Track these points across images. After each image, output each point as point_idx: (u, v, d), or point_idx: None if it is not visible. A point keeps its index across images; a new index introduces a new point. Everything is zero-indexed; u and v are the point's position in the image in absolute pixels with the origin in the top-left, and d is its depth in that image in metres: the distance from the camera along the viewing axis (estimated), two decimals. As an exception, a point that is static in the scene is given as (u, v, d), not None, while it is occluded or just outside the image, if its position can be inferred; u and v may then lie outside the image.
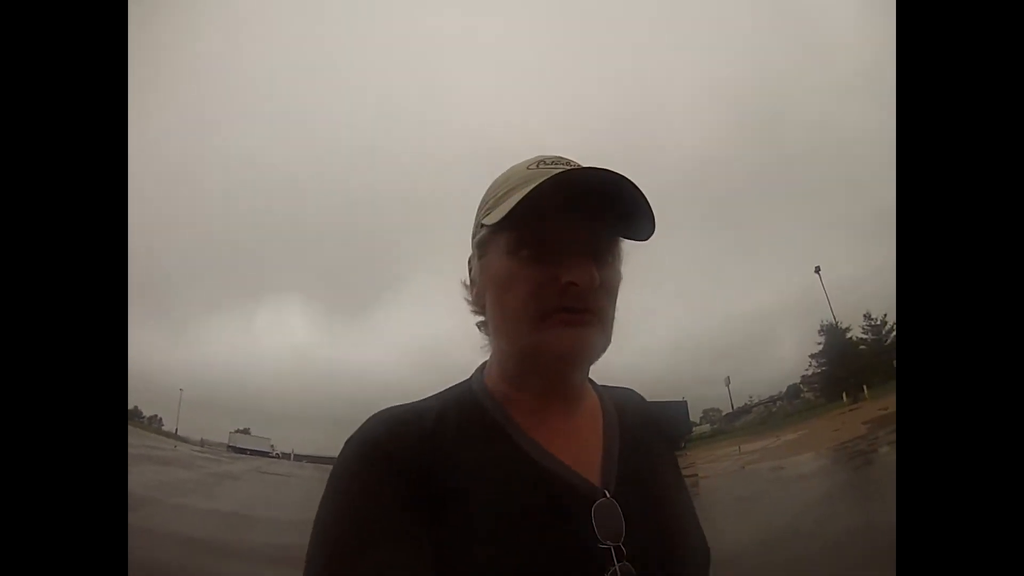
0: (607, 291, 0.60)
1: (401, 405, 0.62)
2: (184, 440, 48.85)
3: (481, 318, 0.67)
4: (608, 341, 0.61)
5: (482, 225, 0.62)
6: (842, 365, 31.73)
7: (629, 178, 0.55)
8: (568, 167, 0.59)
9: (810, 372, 36.63)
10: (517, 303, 0.58)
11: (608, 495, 0.57)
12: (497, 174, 0.67)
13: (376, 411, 0.60)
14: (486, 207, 0.64)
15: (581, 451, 0.61)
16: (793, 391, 40.57)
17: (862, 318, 34.98)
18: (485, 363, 0.68)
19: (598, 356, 0.61)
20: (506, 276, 0.59)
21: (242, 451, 49.65)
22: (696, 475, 14.58)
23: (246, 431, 57.73)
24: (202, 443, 52.70)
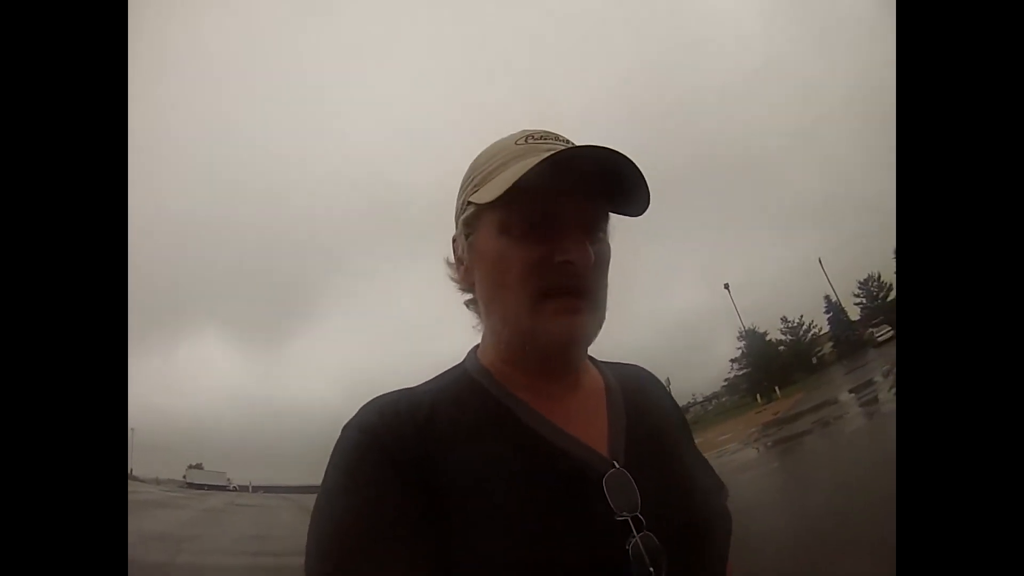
0: (600, 267, 0.59)
1: (397, 391, 0.60)
2: (141, 480, 47.78)
3: (470, 296, 0.66)
4: (602, 320, 0.61)
5: (468, 203, 0.61)
6: (760, 367, 34.58)
7: (626, 155, 0.54)
8: (557, 142, 0.60)
9: (732, 375, 39.40)
10: (511, 284, 0.57)
11: (618, 466, 0.55)
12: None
13: (368, 400, 0.59)
14: (472, 184, 0.62)
15: (587, 425, 0.59)
16: (718, 394, 43.76)
17: (780, 321, 38.06)
18: (477, 345, 0.67)
19: (594, 338, 0.61)
20: (499, 255, 0.58)
21: (200, 486, 48.78)
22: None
23: (199, 467, 56.68)
24: (158, 481, 51.48)
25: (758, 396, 31.70)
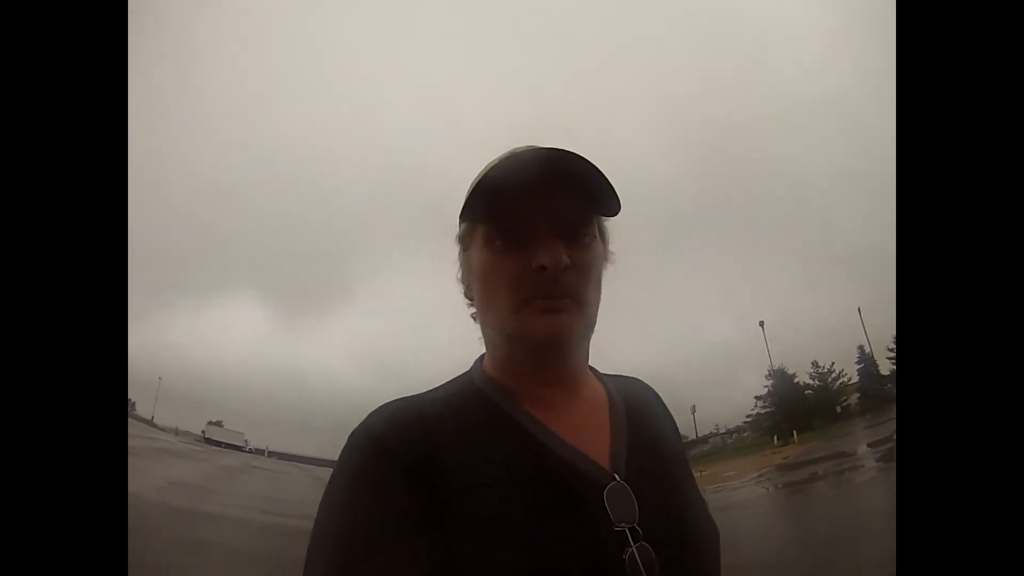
0: (582, 272, 0.60)
1: (404, 398, 0.62)
2: (161, 428, 48.97)
3: (474, 310, 0.68)
4: (591, 323, 0.62)
5: (462, 220, 0.64)
6: (783, 409, 34.16)
7: (578, 153, 0.57)
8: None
9: (754, 412, 38.63)
10: (497, 294, 0.60)
11: (619, 479, 0.57)
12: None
13: (378, 405, 0.60)
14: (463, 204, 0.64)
15: (589, 436, 0.60)
16: (738, 428, 42.71)
17: (810, 365, 37.23)
18: (483, 355, 0.69)
19: (581, 339, 0.63)
20: (485, 268, 0.61)
21: (216, 443, 49.36)
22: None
23: (219, 424, 56.54)
24: (176, 432, 52.17)
25: (775, 438, 31.30)
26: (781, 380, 37.20)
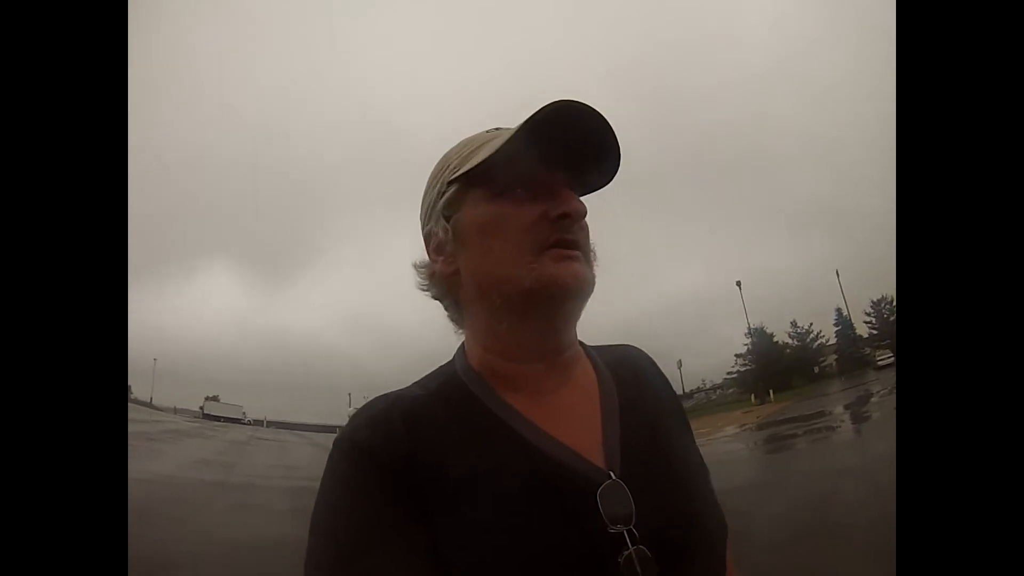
0: (586, 231, 0.61)
1: (383, 396, 0.60)
2: (160, 409, 49.79)
3: (446, 301, 0.66)
4: (594, 282, 0.61)
5: (448, 184, 0.62)
6: (763, 367, 35.28)
7: (602, 114, 0.57)
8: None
9: (735, 370, 39.86)
10: (510, 243, 0.58)
11: (614, 476, 0.54)
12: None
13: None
14: (449, 168, 0.63)
15: (579, 428, 0.58)
16: (722, 385, 43.58)
17: (789, 325, 38.51)
18: (463, 345, 0.66)
19: (590, 293, 0.60)
20: (492, 221, 0.59)
21: (216, 418, 49.17)
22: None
23: (215, 399, 56.80)
24: (175, 410, 52.79)
25: (752, 396, 32.38)
26: (761, 339, 38.39)
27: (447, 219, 0.63)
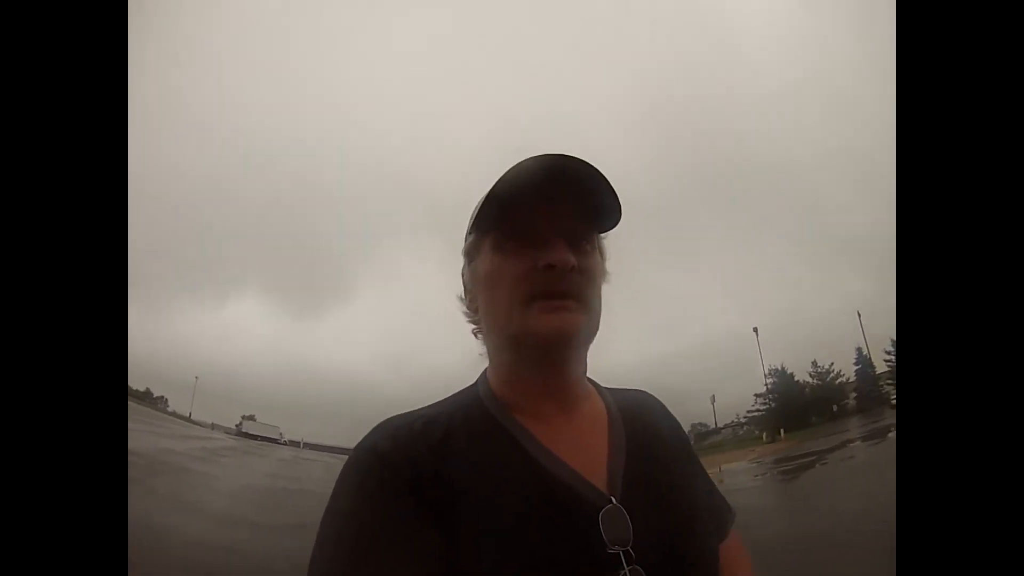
0: (586, 276, 0.62)
1: (407, 413, 0.63)
2: (198, 424, 50.18)
3: (477, 325, 0.71)
4: (594, 327, 0.64)
5: (470, 233, 0.67)
6: (782, 406, 35.37)
7: (586, 160, 0.59)
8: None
9: (754, 409, 40.00)
10: (503, 294, 0.62)
11: (615, 501, 0.58)
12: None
13: (381, 418, 0.61)
14: (472, 216, 0.66)
15: (587, 455, 0.61)
16: (740, 423, 43.39)
17: (810, 364, 38.26)
18: (486, 369, 0.70)
19: (585, 341, 0.64)
20: (491, 272, 0.63)
21: (253, 437, 49.31)
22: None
23: (252, 418, 57.16)
24: (212, 427, 52.60)
25: (763, 434, 32.88)
26: (781, 379, 38.30)
27: (469, 263, 0.70)
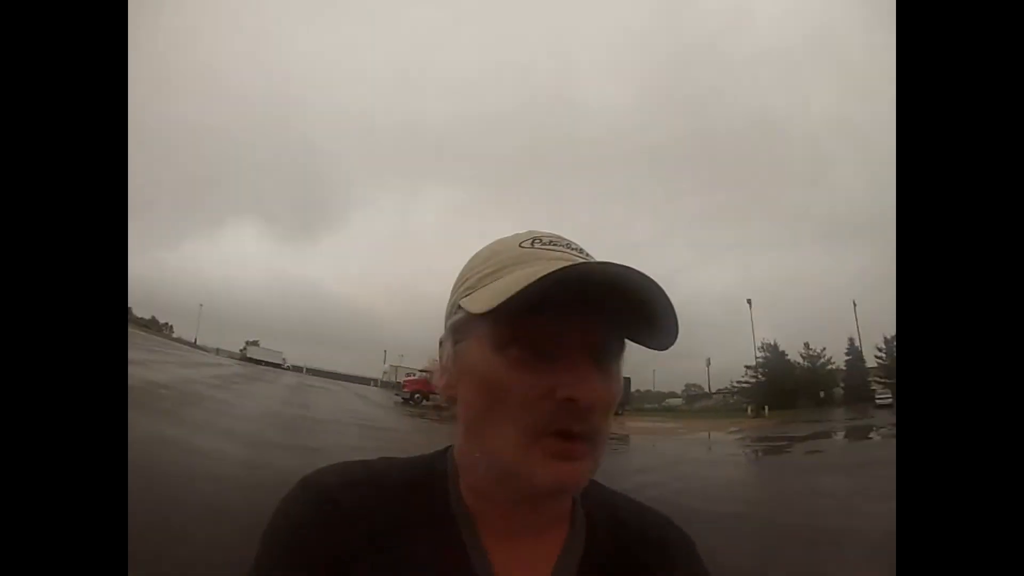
0: (605, 407, 0.50)
1: (365, 461, 0.60)
2: (202, 349, 52.97)
3: (450, 404, 0.58)
4: (598, 466, 0.52)
5: (459, 307, 0.53)
6: (771, 381, 36.22)
7: (650, 277, 0.45)
8: (568, 250, 0.53)
9: (744, 379, 40.96)
10: (501, 415, 0.49)
11: None
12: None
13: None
14: (465, 285, 0.54)
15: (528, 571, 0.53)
16: (729, 390, 44.85)
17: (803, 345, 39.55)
18: (450, 448, 0.60)
19: (585, 484, 0.51)
20: (490, 379, 0.50)
21: (257, 362, 51.04)
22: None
23: (255, 343, 58.66)
24: (218, 352, 55.33)
25: (749, 408, 33.66)
26: (773, 355, 39.20)
27: (455, 343, 0.55)
